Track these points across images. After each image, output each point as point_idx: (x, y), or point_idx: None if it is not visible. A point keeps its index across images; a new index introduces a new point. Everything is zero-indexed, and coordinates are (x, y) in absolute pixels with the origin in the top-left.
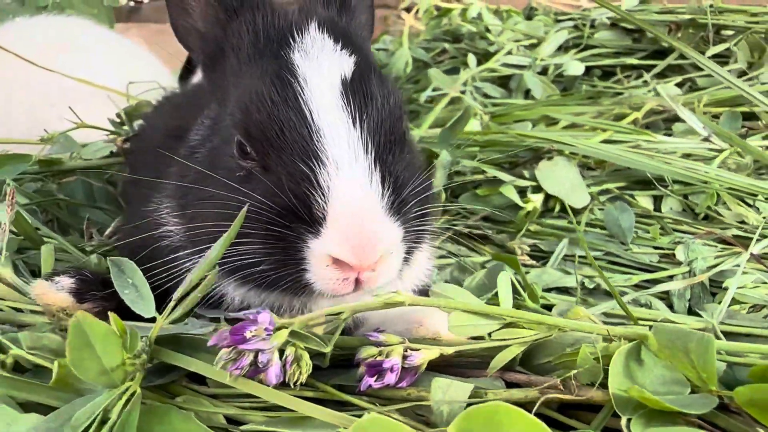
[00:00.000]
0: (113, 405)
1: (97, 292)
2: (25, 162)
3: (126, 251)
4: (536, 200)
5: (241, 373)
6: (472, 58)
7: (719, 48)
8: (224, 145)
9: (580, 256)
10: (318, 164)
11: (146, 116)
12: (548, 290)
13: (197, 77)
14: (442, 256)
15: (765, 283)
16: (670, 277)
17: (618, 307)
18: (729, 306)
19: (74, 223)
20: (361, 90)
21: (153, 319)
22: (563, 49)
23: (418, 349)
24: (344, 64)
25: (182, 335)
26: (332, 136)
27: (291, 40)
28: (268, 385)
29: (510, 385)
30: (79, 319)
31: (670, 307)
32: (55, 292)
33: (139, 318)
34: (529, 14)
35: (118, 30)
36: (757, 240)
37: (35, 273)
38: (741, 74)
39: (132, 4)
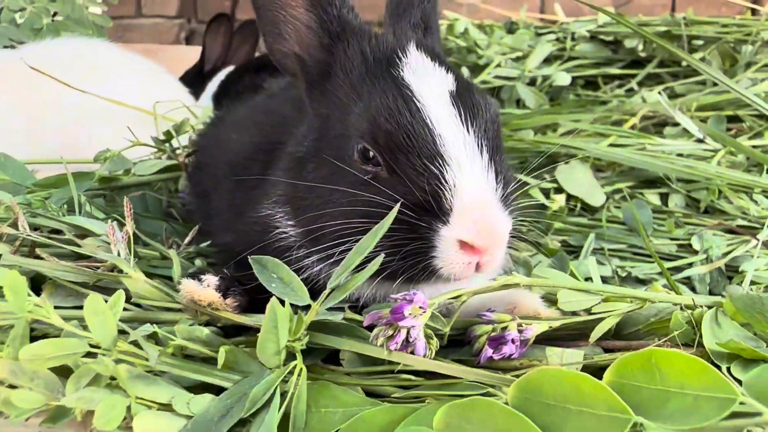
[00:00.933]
0: (288, 380)
1: (236, 289)
2: (90, 179)
3: (235, 253)
4: (560, 200)
5: (397, 348)
6: (465, 72)
7: (694, 57)
8: (342, 153)
9: (609, 249)
10: (444, 165)
11: (203, 134)
12: (586, 279)
13: (206, 95)
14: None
15: None
16: (689, 265)
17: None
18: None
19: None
20: (468, 101)
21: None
22: (547, 60)
23: (530, 324)
24: (447, 79)
25: (325, 321)
26: (452, 141)
27: (398, 61)
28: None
29: (607, 351)
30: (274, 305)
31: (693, 290)
32: (203, 289)
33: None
34: (510, 28)
35: None
36: (751, 227)
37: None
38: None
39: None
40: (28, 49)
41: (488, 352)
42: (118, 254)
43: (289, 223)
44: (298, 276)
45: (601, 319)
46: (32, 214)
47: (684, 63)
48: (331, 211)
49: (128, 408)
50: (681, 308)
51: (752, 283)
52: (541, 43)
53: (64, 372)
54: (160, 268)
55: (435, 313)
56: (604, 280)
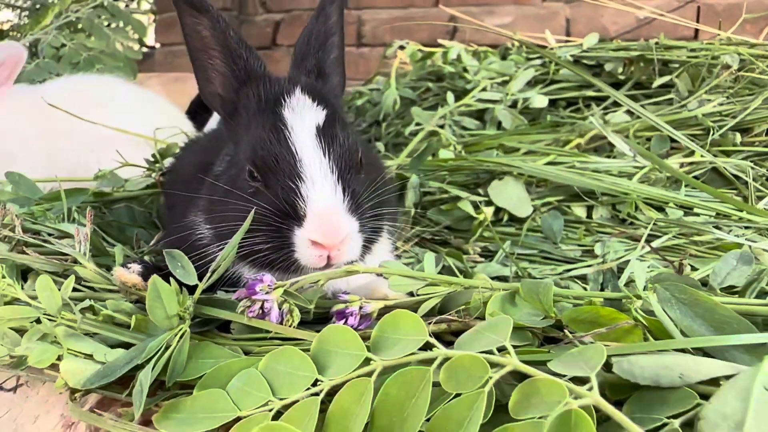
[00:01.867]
0: (173, 339)
1: (155, 275)
2: (84, 194)
3: (172, 249)
4: (487, 212)
5: (253, 316)
6: (450, 96)
7: (664, 79)
8: (239, 172)
9: (520, 254)
10: (301, 181)
11: (176, 156)
12: (493, 278)
13: (212, 122)
14: (412, 256)
15: (657, 268)
16: (588, 267)
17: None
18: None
19: (122, 239)
20: (329, 133)
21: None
22: (533, 83)
23: (369, 302)
24: (318, 115)
25: (214, 298)
26: (309, 163)
27: (282, 101)
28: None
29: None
30: (155, 281)
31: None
32: (129, 274)
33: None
34: (504, 54)
35: (139, 79)
36: (654, 236)
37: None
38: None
39: (144, 50)
40: (48, 86)
41: (336, 322)
42: (80, 250)
43: (206, 226)
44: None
45: (427, 299)
46: (33, 221)
47: (654, 84)
48: (227, 215)
49: (60, 357)
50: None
51: (632, 281)
52: (524, 67)
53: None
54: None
55: (289, 290)
56: (506, 279)
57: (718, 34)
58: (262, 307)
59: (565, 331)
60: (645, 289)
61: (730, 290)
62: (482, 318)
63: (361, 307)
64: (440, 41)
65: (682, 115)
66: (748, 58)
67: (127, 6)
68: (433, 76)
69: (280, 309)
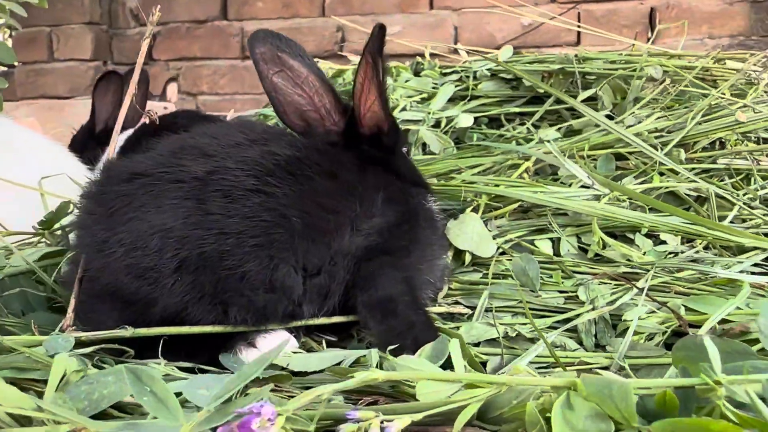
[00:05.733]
0: None
1: None
2: None
3: None
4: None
5: None
6: None
7: (589, 92)
8: None
9: (497, 308)
10: None
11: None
12: (477, 344)
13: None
14: None
15: (653, 312)
16: (577, 316)
17: (541, 350)
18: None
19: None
20: None
21: None
22: (452, 100)
23: (392, 420)
24: None
25: None
26: None
27: None
28: None
29: None
30: None
31: (580, 343)
32: None
33: None
34: (416, 69)
35: (7, 108)
36: (633, 274)
37: None
38: (609, 118)
39: (2, 68)
40: None
41: None
42: None
43: None
44: None
45: (464, 406)
46: None
47: (579, 98)
48: None
49: None
50: (539, 394)
51: (635, 333)
52: (445, 84)
53: None
54: None
55: (293, 415)
56: (495, 341)
57: (633, 44)
58: None
59: None
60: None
61: None
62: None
63: (382, 428)
64: (348, 56)
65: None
66: (672, 70)
67: None
68: (345, 95)
69: None
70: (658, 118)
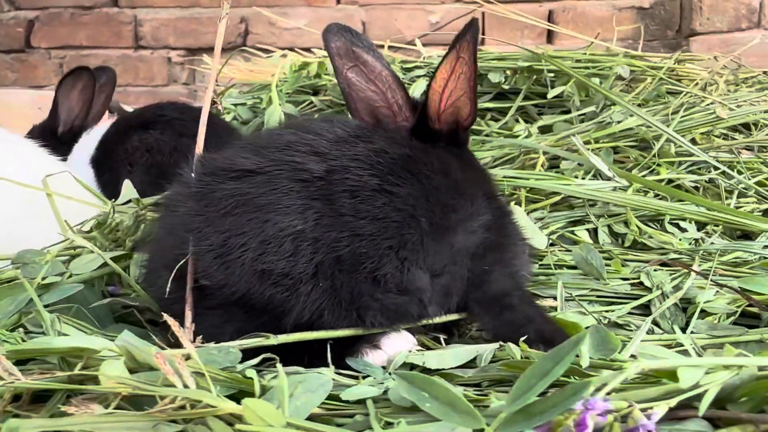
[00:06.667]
0: None
1: None
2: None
3: None
4: None
5: None
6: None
7: (557, 90)
8: None
9: (577, 296)
10: None
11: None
12: None
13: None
14: None
15: (718, 291)
16: (647, 302)
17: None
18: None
19: None
20: None
21: None
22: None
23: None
24: None
25: None
26: None
27: None
28: None
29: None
30: None
31: (657, 325)
32: None
33: None
34: None
35: None
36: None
37: None
38: (592, 115)
39: None
40: None
41: None
42: None
43: None
44: None
45: (704, 390)
46: None
47: (549, 96)
48: None
49: None
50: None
51: (707, 314)
52: (409, 78)
53: None
54: None
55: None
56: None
57: (592, 43)
58: None
59: None
60: None
61: None
62: None
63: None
64: (313, 49)
65: (619, 127)
66: (640, 69)
67: None
68: (310, 89)
69: None
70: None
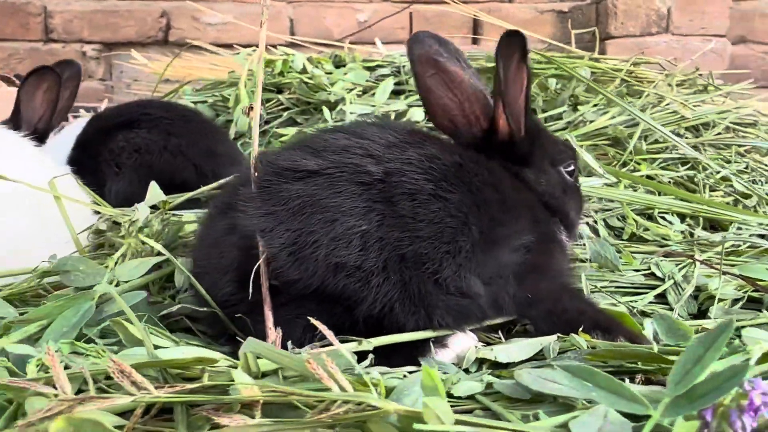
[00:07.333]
0: None
1: None
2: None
3: None
4: None
5: None
6: (326, 111)
7: None
8: None
9: (601, 287)
10: None
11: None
12: None
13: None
14: None
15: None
16: (662, 292)
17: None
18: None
19: None
20: None
21: None
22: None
23: None
24: None
25: None
26: None
27: None
28: None
29: None
30: None
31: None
32: None
33: None
34: (336, 62)
35: None
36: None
37: None
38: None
39: None
40: None
41: None
42: None
43: None
44: None
45: None
46: None
47: None
48: None
49: None
50: None
51: (720, 300)
52: (386, 78)
53: None
54: None
55: None
56: None
57: (549, 43)
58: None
59: None
60: None
61: None
62: None
63: None
64: (279, 47)
65: (594, 125)
66: (601, 70)
67: None
68: (273, 87)
69: None
70: (613, 116)
